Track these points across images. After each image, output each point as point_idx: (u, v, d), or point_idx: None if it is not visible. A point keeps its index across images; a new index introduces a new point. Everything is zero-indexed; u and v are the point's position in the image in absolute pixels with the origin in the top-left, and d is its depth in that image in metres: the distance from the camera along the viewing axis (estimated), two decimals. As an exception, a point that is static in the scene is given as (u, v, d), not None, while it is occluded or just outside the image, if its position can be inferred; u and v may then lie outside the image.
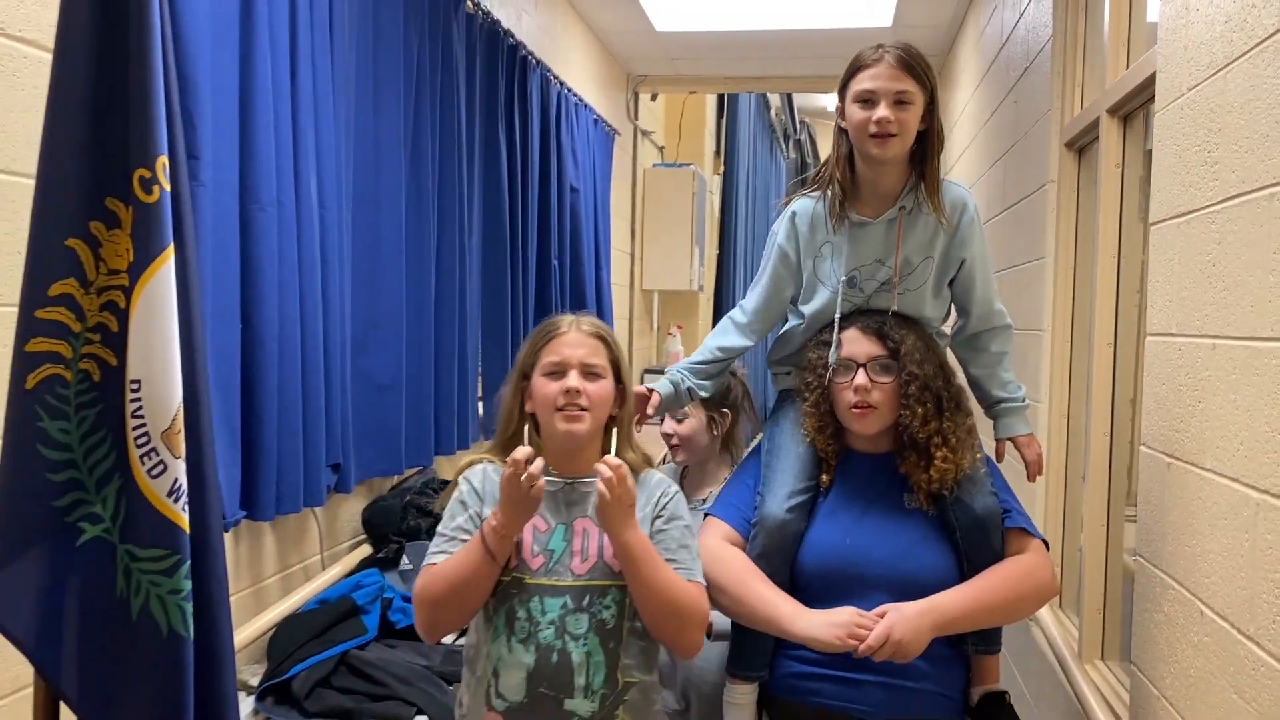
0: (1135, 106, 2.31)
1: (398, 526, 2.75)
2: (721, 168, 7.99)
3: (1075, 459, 2.88)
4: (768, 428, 2.00)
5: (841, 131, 1.89)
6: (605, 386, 1.64)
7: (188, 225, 1.35)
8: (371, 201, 2.81)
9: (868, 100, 1.81)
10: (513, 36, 3.85)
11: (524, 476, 1.51)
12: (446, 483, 3.08)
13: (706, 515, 1.92)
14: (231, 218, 2.18)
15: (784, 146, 10.60)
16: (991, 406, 1.99)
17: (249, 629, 2.34)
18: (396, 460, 2.90)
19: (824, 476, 1.86)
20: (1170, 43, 1.83)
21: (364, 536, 2.87)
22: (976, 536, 1.79)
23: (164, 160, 1.30)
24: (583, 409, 1.61)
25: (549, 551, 1.61)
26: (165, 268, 1.29)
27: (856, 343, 1.84)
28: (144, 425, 1.29)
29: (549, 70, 4.32)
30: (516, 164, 3.88)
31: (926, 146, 1.86)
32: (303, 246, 2.38)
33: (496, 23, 3.69)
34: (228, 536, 2.28)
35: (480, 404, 3.68)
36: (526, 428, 1.67)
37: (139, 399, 1.29)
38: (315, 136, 2.46)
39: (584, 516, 1.64)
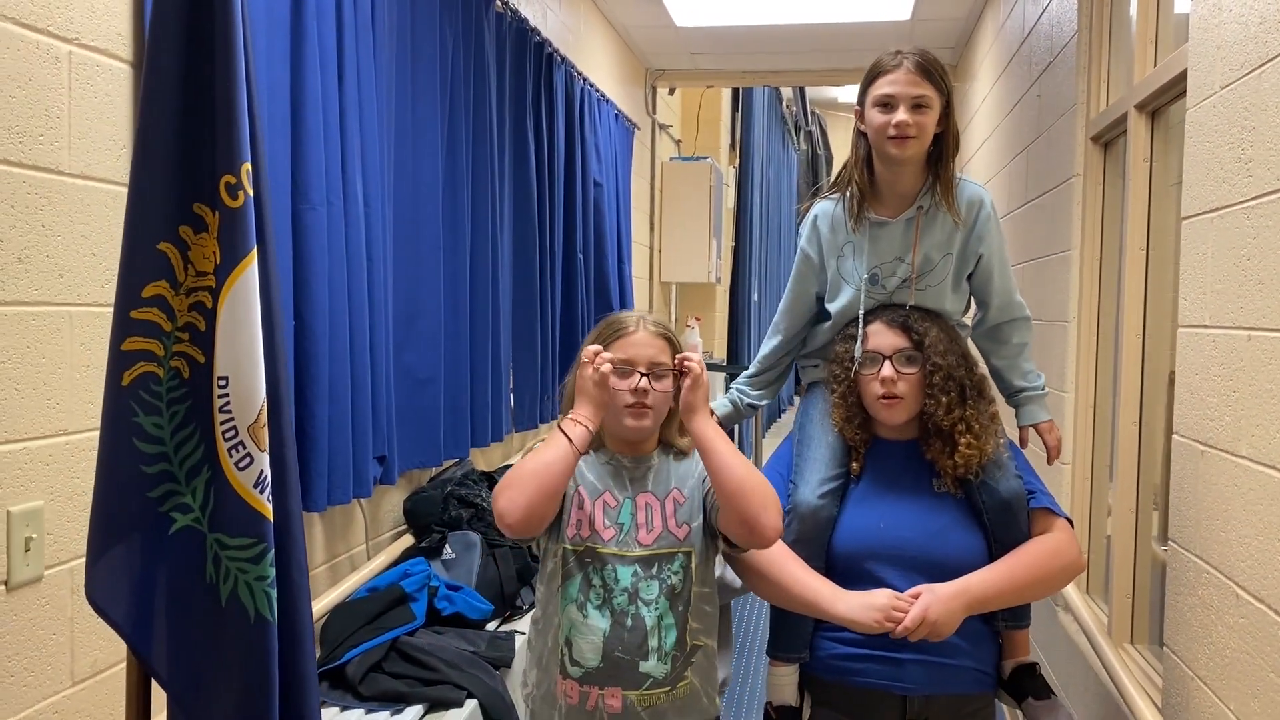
0: (1164, 102, 2.36)
1: (440, 517, 2.82)
2: (737, 160, 8.04)
3: (1101, 448, 2.93)
4: (798, 419, 2.07)
5: (860, 135, 1.97)
6: (668, 385, 1.72)
7: (269, 229, 1.41)
8: (410, 200, 2.87)
9: (887, 104, 1.89)
10: (539, 34, 3.91)
11: (592, 366, 1.64)
12: (484, 474, 3.17)
13: None
14: (284, 217, 2.25)
15: (795, 138, 10.63)
16: (1013, 395, 2.06)
17: (301, 616, 2.41)
18: (435, 452, 2.96)
19: (854, 464, 1.93)
20: (1202, 41, 1.88)
21: (405, 526, 2.94)
22: (1003, 518, 1.86)
23: (248, 167, 1.36)
24: (648, 406, 1.70)
25: (619, 524, 1.70)
26: (249, 270, 1.35)
27: (882, 336, 1.91)
28: (231, 419, 1.35)
29: (573, 66, 4.37)
30: (544, 159, 3.94)
31: (943, 148, 1.94)
32: (350, 244, 2.45)
33: (524, 20, 3.74)
34: (281, 527, 2.35)
35: (511, 396, 3.75)
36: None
37: (226, 394, 1.35)
38: (360, 138, 2.52)
39: (645, 492, 1.73)
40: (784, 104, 9.65)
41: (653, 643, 1.66)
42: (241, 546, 1.36)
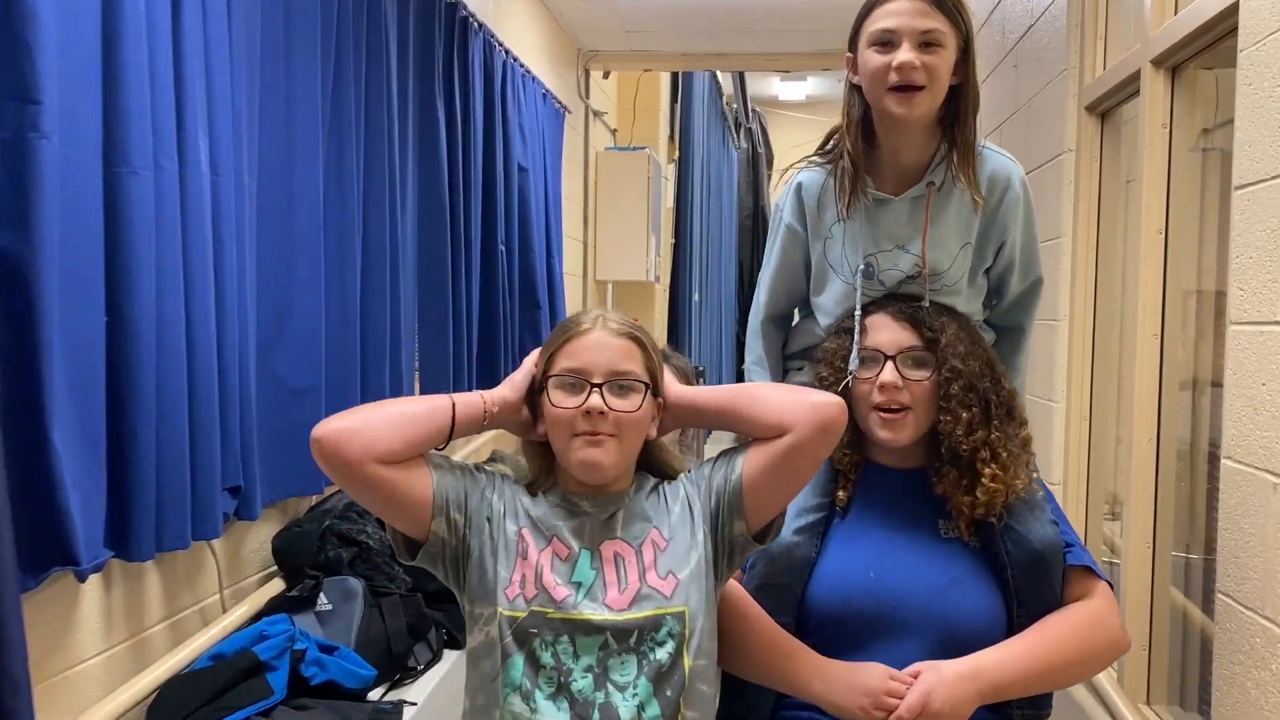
0: (1194, 52, 1.95)
1: (314, 558, 2.31)
2: (676, 153, 7.61)
3: (1099, 468, 2.54)
4: None
5: (854, 89, 1.54)
6: (637, 402, 1.28)
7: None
8: (282, 170, 2.36)
9: (886, 42, 1.46)
10: (452, -7, 3.42)
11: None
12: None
13: None
14: (92, 181, 1.73)
15: (736, 135, 10.27)
16: None
17: (124, 694, 1.89)
18: (315, 476, 2.45)
19: (840, 493, 1.50)
20: (1266, -39, 1.48)
21: (276, 567, 2.43)
22: (1032, 575, 1.43)
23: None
24: (607, 435, 1.26)
25: (574, 583, 1.25)
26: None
27: (885, 330, 1.49)
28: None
29: (493, 35, 3.88)
30: (457, 136, 3.44)
31: (959, 105, 1.51)
32: (189, 220, 1.93)
33: (432, -26, 3.25)
34: (95, 580, 1.83)
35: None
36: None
37: None
38: (207, 87, 2.00)
39: (613, 538, 1.29)
40: (724, 100, 9.26)
41: None
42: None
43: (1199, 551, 2.06)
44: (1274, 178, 1.46)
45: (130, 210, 1.79)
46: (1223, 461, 1.60)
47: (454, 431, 1.27)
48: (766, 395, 1.32)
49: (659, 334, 7.35)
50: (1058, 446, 2.61)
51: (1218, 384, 1.92)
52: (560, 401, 1.26)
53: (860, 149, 1.53)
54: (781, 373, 1.72)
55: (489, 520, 1.28)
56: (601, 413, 1.24)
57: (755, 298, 1.71)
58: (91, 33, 1.72)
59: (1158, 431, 2.08)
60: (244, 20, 2.15)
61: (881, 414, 1.45)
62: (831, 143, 1.60)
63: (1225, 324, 1.61)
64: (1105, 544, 2.54)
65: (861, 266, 1.54)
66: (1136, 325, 2.11)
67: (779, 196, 1.65)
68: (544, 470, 1.33)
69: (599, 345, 1.28)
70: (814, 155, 1.62)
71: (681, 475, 1.36)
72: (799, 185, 1.61)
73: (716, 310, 8.98)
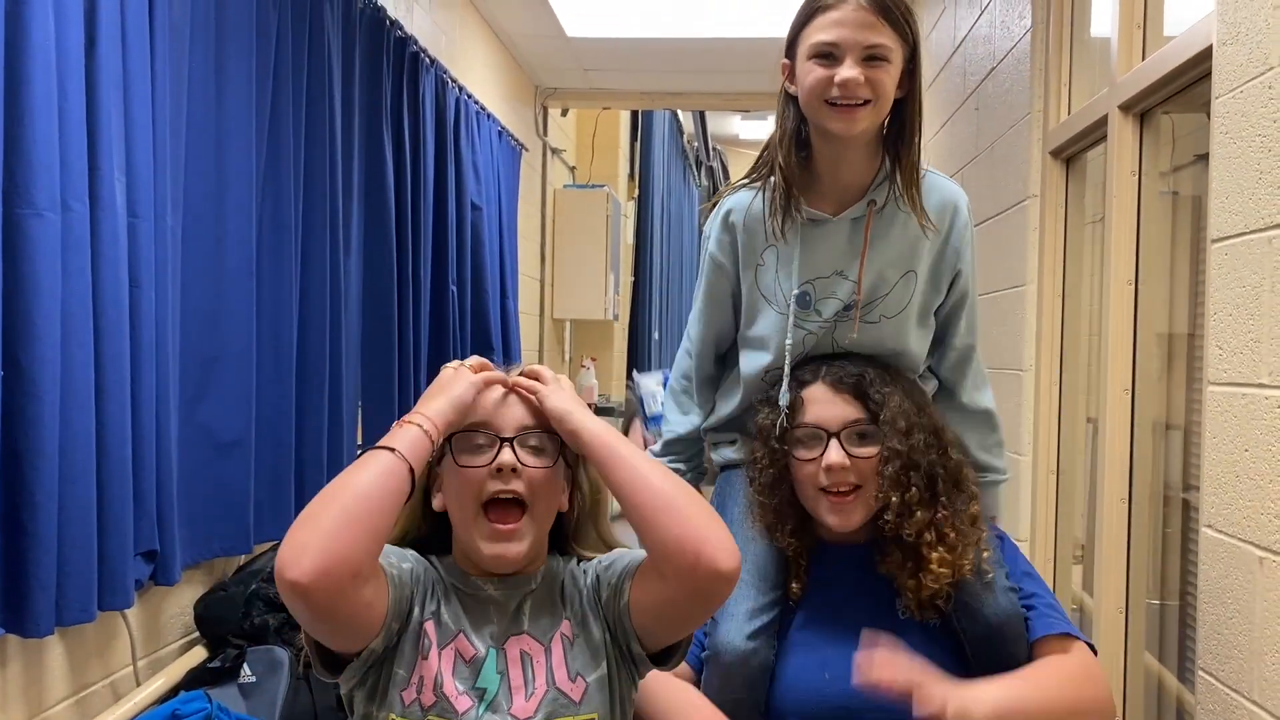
0: (1163, 98, 1.89)
1: (238, 625, 2.15)
2: (636, 191, 7.55)
3: (1067, 525, 2.45)
4: None
5: (789, 99, 1.42)
6: (549, 460, 1.18)
7: None
8: (212, 212, 2.22)
9: (828, 54, 1.35)
10: (401, 29, 3.31)
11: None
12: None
13: None
14: (-12, 224, 1.60)
15: (696, 173, 10.26)
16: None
17: (19, 782, 1.73)
18: (244, 535, 2.29)
19: (794, 585, 1.38)
20: (1239, 6, 1.41)
21: (198, 634, 2.26)
22: (991, 648, 1.33)
23: None
24: (520, 501, 1.15)
25: (478, 690, 1.12)
26: None
27: (826, 404, 1.37)
28: None
29: (446, 71, 3.78)
30: (405, 173, 3.32)
31: (904, 121, 1.40)
32: (101, 267, 1.79)
33: (380, 9, 3.14)
34: (-13, 659, 1.67)
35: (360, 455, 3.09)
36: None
37: None
38: (125, 123, 1.87)
39: (521, 633, 1.16)
40: (685, 138, 9.24)
41: None
42: None
43: (1173, 599, 1.98)
44: (1254, 231, 1.38)
45: (33, 255, 1.66)
46: (1202, 530, 1.51)
47: (413, 486, 1.11)
48: (708, 518, 1.09)
49: (617, 373, 7.23)
50: (1025, 503, 2.52)
51: (1190, 431, 1.85)
52: (468, 461, 1.15)
53: (794, 163, 1.41)
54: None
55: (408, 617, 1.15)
56: (514, 469, 1.13)
57: (678, 359, 1.59)
58: (-9, 61, 1.60)
59: (1130, 490, 2.00)
60: (169, 53, 2.03)
61: (829, 497, 1.33)
62: (763, 158, 1.47)
63: (1197, 378, 1.52)
64: (1074, 602, 2.45)
65: (796, 293, 1.42)
66: (1106, 379, 2.03)
67: (706, 224, 1.52)
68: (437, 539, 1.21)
69: (505, 400, 1.18)
70: (742, 178, 1.51)
71: (592, 562, 1.23)
72: (726, 211, 1.49)
73: (677, 348, 8.89)
